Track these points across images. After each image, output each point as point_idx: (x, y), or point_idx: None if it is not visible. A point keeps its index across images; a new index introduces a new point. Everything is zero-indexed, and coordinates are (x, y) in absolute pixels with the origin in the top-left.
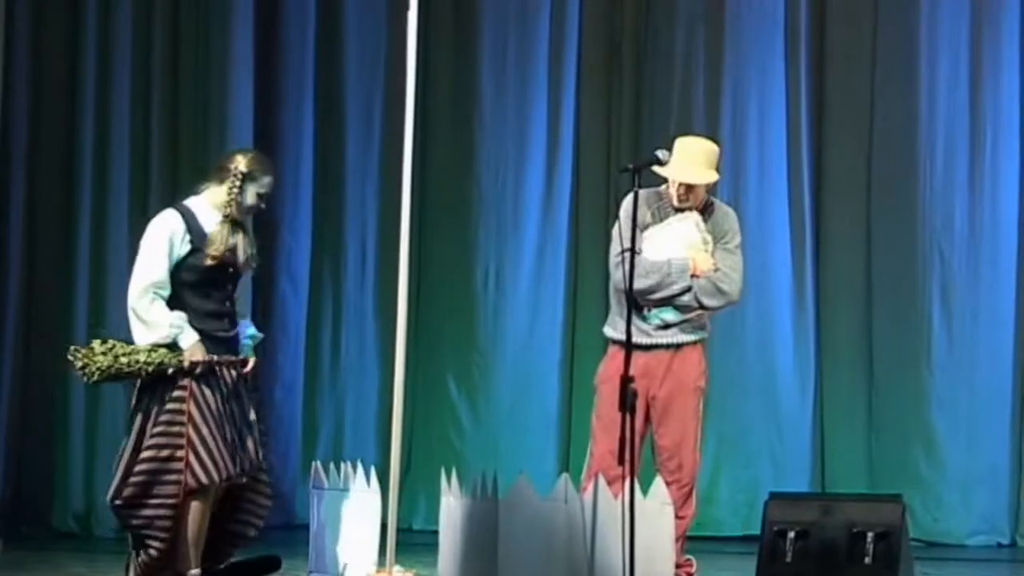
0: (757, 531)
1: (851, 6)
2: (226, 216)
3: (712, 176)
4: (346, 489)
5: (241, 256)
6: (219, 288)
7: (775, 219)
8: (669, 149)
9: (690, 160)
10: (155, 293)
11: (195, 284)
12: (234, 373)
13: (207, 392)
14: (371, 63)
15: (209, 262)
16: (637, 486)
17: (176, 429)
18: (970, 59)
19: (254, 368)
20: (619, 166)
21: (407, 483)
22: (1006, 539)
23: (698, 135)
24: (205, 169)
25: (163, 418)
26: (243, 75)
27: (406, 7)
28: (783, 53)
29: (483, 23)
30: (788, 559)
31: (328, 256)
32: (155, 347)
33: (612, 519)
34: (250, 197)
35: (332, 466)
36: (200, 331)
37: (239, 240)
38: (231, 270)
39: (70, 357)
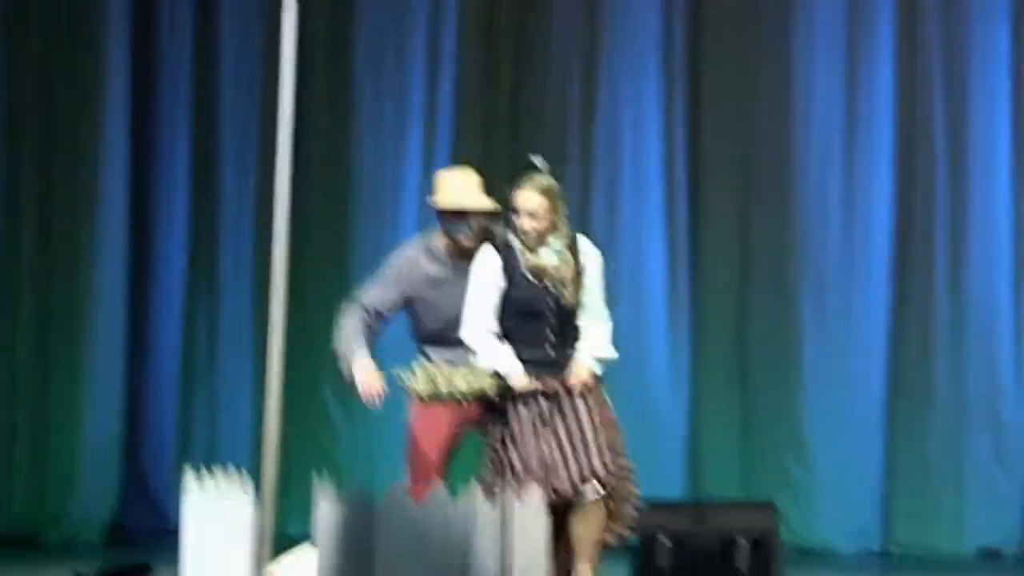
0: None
1: (727, 19)
2: None
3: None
4: (221, 494)
5: None
6: None
7: (650, 226)
8: (543, 156)
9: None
10: None
11: None
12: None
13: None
14: (247, 72)
15: None
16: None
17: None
18: (845, 75)
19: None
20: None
21: (282, 489)
22: (877, 546)
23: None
24: (77, 179)
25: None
26: (118, 84)
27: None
28: (659, 67)
29: (360, 38)
30: (662, 566)
31: (203, 261)
32: None
33: (488, 526)
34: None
35: (207, 471)
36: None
37: None
38: None
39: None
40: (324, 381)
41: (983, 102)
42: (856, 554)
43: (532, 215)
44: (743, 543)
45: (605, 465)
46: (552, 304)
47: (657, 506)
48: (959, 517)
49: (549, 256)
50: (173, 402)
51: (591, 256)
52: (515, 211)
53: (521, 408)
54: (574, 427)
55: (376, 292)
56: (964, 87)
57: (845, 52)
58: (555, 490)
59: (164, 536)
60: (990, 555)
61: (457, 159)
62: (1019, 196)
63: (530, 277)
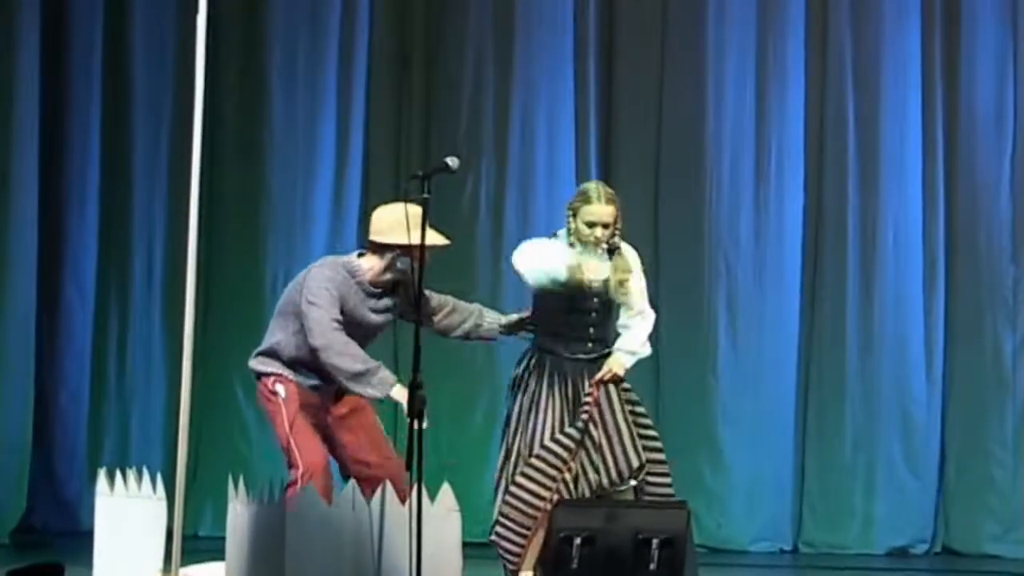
0: None
1: (639, 15)
2: None
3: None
4: (132, 496)
5: None
6: None
7: (563, 221)
8: (459, 156)
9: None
10: None
11: None
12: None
13: None
14: (159, 69)
15: None
16: (425, 492)
17: None
18: (756, 72)
19: None
20: (409, 173)
21: (193, 489)
22: (788, 545)
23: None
24: None
25: None
26: (29, 80)
27: (195, 14)
28: (572, 62)
29: (273, 33)
30: (574, 566)
31: (115, 262)
32: None
33: (399, 525)
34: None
35: (118, 473)
36: None
37: None
38: None
39: None
40: (236, 381)
41: (894, 99)
42: (767, 554)
43: (606, 226)
44: (655, 543)
45: (639, 457)
46: (595, 303)
47: (569, 506)
48: (869, 518)
49: (599, 262)
50: (84, 404)
51: (632, 258)
52: (592, 224)
53: (519, 396)
54: (610, 422)
55: (332, 310)
56: (875, 84)
57: (756, 48)
58: (590, 484)
59: (75, 537)
60: (900, 555)
61: (369, 153)
62: (929, 197)
63: (578, 275)
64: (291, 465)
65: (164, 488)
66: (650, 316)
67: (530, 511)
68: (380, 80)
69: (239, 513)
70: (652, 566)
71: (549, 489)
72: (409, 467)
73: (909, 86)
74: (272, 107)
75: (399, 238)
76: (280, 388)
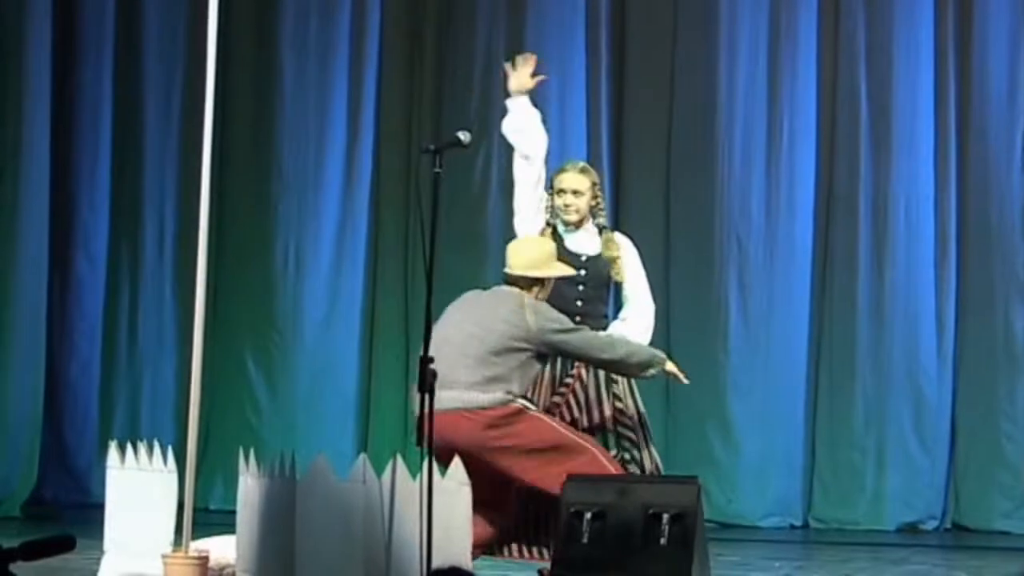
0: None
1: None
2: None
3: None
4: (143, 468)
5: None
6: None
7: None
8: (470, 131)
9: None
10: None
11: None
12: None
13: None
14: (171, 41)
15: None
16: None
17: None
18: (768, 49)
19: None
20: (420, 147)
21: (204, 463)
22: (799, 520)
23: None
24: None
25: None
26: (40, 49)
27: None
28: (584, 37)
29: (286, 5)
30: (584, 540)
31: (126, 234)
32: None
33: (410, 499)
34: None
35: (129, 445)
36: None
37: None
38: None
39: None
40: (247, 353)
41: (906, 74)
42: (778, 529)
43: (576, 193)
44: (665, 518)
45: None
46: (584, 277)
47: (580, 480)
48: (880, 493)
49: (587, 239)
50: (95, 376)
51: (627, 248)
52: (561, 191)
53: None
54: (595, 412)
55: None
56: (887, 60)
57: (768, 24)
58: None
59: (86, 510)
60: (910, 531)
61: (381, 127)
62: (941, 173)
63: (571, 249)
64: (575, 451)
65: (175, 461)
66: (649, 309)
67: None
68: (392, 53)
69: (250, 486)
70: (663, 541)
71: None
72: (419, 442)
73: (921, 61)
74: (284, 79)
75: (562, 270)
76: (522, 402)
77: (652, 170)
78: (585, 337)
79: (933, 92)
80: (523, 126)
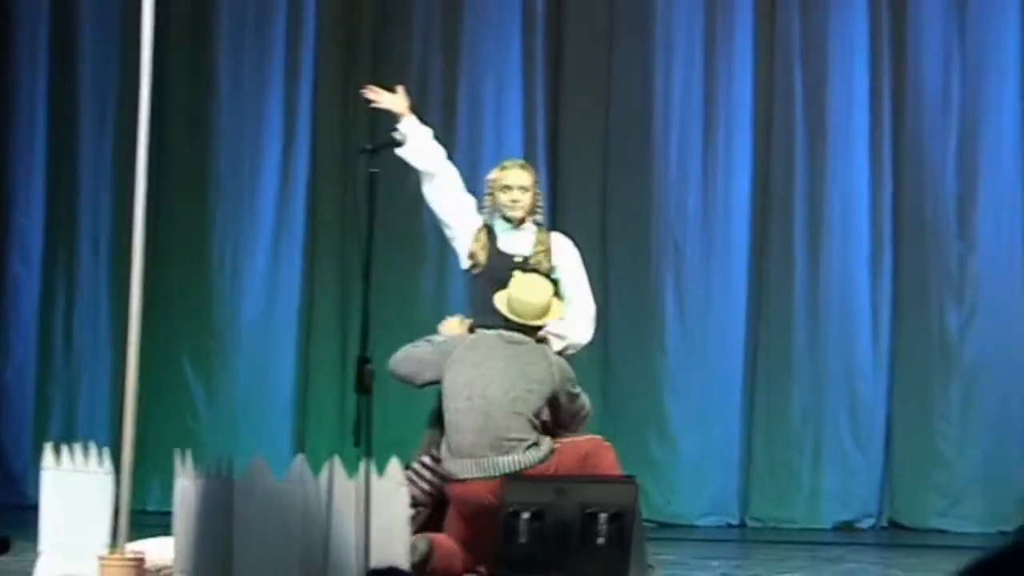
0: None
1: None
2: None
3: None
4: (78, 470)
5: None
6: None
7: None
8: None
9: None
10: None
11: None
12: None
13: None
14: (106, 45)
15: None
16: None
17: None
18: (704, 50)
19: None
20: (357, 147)
21: (141, 464)
22: (736, 519)
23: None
24: None
25: None
26: None
27: None
28: (520, 40)
29: (221, 11)
30: (523, 540)
31: (62, 238)
32: None
33: (347, 499)
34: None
35: (64, 447)
36: None
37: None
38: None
39: None
40: (184, 356)
41: (841, 74)
42: (715, 528)
43: (523, 189)
44: (603, 517)
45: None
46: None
47: (519, 480)
48: (816, 492)
49: (525, 238)
50: (31, 379)
51: (567, 249)
52: (507, 188)
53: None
54: None
55: None
56: (822, 60)
57: (704, 24)
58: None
59: (22, 511)
60: (847, 529)
61: (317, 131)
62: (876, 173)
63: (503, 251)
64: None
65: (111, 462)
66: (589, 308)
67: (428, 489)
68: (327, 58)
69: (186, 488)
70: (600, 540)
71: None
72: (357, 442)
73: (856, 62)
74: (220, 83)
75: (558, 312)
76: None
77: (589, 171)
78: (583, 400)
79: (868, 92)
80: (420, 144)
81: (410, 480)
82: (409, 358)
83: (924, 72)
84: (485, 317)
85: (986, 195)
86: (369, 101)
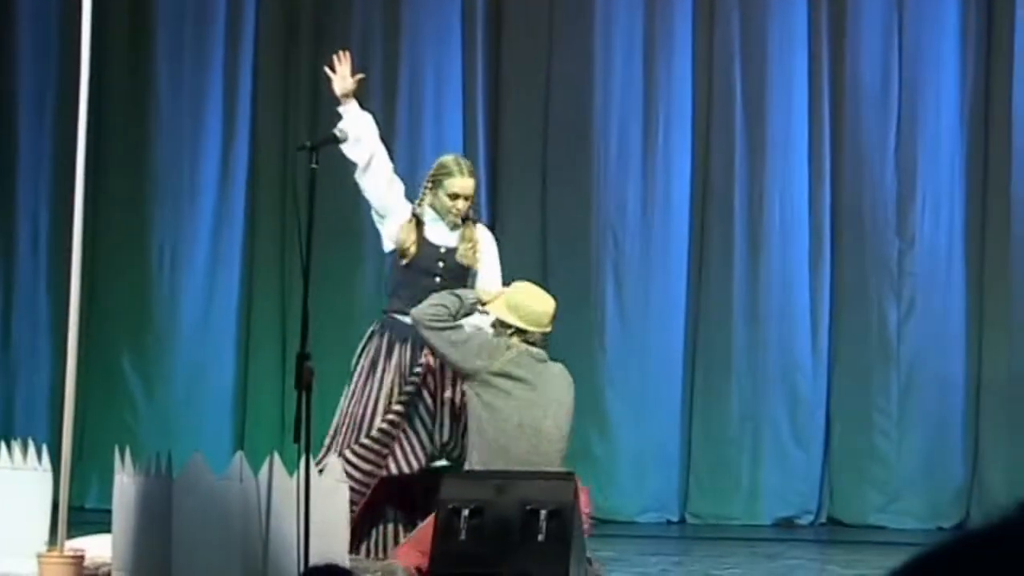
0: None
1: None
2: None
3: None
4: (16, 467)
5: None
6: None
7: None
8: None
9: None
10: None
11: None
12: None
13: None
14: (44, 42)
15: None
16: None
17: None
18: (644, 43)
19: None
20: (296, 144)
21: (80, 462)
22: (675, 516)
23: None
24: None
25: None
26: None
27: None
28: (460, 32)
29: (159, 3)
30: (462, 537)
31: (0, 234)
32: None
33: (287, 497)
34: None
35: (2, 444)
36: None
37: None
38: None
39: None
40: (123, 353)
41: (780, 72)
42: (654, 524)
43: (468, 199)
44: (543, 514)
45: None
46: (441, 269)
47: (458, 477)
48: (755, 489)
49: (449, 229)
50: None
51: (489, 242)
52: (455, 196)
53: (362, 360)
54: (447, 392)
55: None
56: (761, 57)
57: (644, 19)
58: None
59: None
60: (786, 526)
61: (257, 125)
62: (815, 169)
63: (431, 241)
64: None
65: (50, 460)
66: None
67: (357, 487)
68: (267, 51)
69: (125, 485)
70: (540, 537)
71: (379, 466)
72: (297, 439)
73: (795, 59)
74: (159, 80)
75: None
76: None
77: (528, 167)
78: None
79: (807, 90)
80: (359, 133)
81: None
82: (442, 336)
83: (863, 71)
84: (404, 304)
85: (924, 192)
86: (330, 66)
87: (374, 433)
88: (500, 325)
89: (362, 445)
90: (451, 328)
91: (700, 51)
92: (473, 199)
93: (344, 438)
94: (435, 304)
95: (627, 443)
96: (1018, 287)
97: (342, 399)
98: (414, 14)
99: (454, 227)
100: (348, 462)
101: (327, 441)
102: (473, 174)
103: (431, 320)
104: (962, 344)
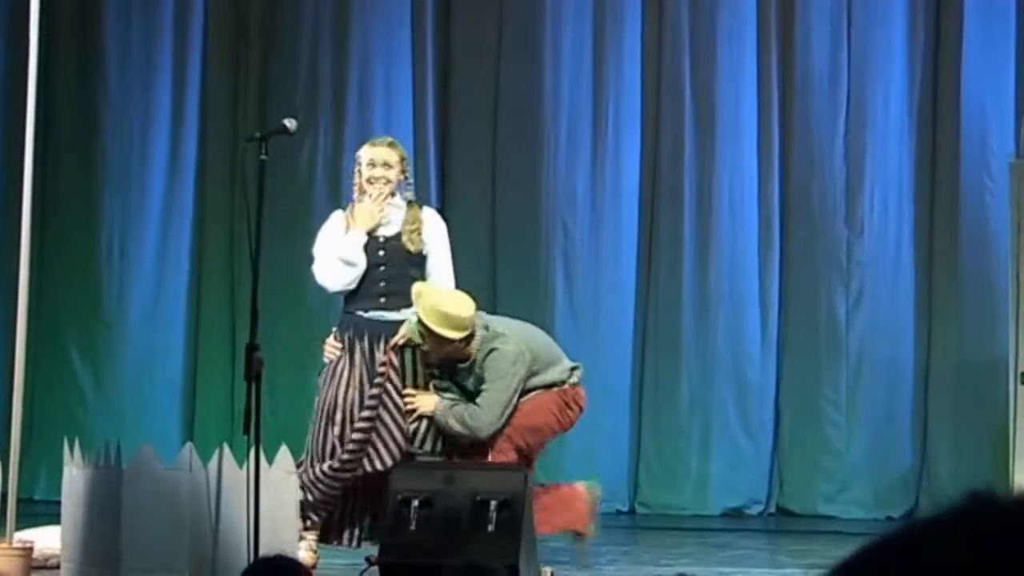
0: None
1: None
2: None
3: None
4: None
5: None
6: None
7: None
8: (296, 118)
9: None
10: None
11: None
12: None
13: None
14: None
15: None
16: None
17: None
18: (593, 35)
19: None
20: (245, 135)
21: (28, 453)
22: (625, 506)
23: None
24: None
25: None
26: None
27: None
28: (409, 23)
29: (107, 10)
30: (412, 527)
31: None
32: None
33: (236, 487)
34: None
35: None
36: None
37: None
38: None
39: None
40: (71, 343)
41: (729, 62)
42: (604, 514)
43: (386, 165)
44: (493, 504)
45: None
46: (383, 258)
47: (407, 468)
48: (705, 479)
49: (395, 215)
50: None
51: (435, 224)
52: (371, 163)
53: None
54: (395, 394)
55: None
56: (710, 47)
57: (593, 9)
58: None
59: None
60: (735, 516)
61: (206, 116)
62: (764, 160)
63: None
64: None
65: None
66: (449, 283)
67: (333, 492)
68: (216, 40)
69: (75, 476)
70: (490, 527)
71: (354, 471)
72: (247, 430)
73: (744, 50)
74: (107, 70)
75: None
76: None
77: (478, 158)
78: None
79: (756, 79)
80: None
81: (305, 486)
82: None
83: (812, 60)
84: (358, 301)
85: (873, 182)
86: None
87: (349, 445)
88: (460, 342)
89: (338, 463)
90: (508, 408)
91: (650, 42)
92: (405, 175)
93: (319, 446)
94: (477, 420)
95: (576, 432)
96: (966, 277)
97: (315, 408)
98: (364, 6)
99: (382, 205)
100: (325, 476)
101: (307, 446)
102: (394, 147)
103: (498, 421)
104: (910, 334)
